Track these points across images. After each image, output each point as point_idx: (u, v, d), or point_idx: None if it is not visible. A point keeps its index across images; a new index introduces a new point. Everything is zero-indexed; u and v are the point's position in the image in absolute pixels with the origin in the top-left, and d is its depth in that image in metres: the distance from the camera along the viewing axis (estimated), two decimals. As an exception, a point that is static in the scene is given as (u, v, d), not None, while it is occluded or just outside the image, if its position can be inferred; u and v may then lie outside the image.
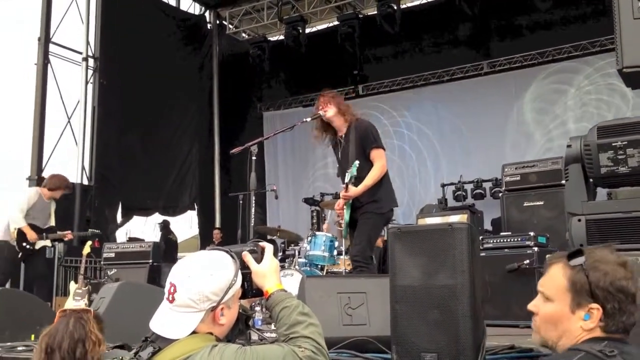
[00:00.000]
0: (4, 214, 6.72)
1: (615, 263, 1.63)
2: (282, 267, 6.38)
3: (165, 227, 11.74)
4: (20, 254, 6.69)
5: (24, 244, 6.68)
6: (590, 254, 1.66)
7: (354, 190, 4.33)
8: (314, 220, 10.63)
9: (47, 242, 6.97)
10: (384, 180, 4.48)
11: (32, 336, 4.13)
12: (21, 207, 6.63)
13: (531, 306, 1.72)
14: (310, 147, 12.23)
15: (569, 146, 2.54)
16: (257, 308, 4.86)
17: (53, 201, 6.97)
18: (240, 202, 8.17)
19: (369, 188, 4.35)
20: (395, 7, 10.68)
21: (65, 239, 7.23)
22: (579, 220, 2.39)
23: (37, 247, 6.80)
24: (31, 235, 6.68)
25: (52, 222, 6.98)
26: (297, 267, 6.36)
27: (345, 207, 4.43)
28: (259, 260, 1.91)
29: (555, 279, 1.66)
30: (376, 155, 4.43)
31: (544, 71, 10.57)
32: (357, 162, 4.30)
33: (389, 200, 4.51)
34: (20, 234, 6.64)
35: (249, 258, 1.89)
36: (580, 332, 1.61)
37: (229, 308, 1.75)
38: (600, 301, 1.59)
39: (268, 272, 1.90)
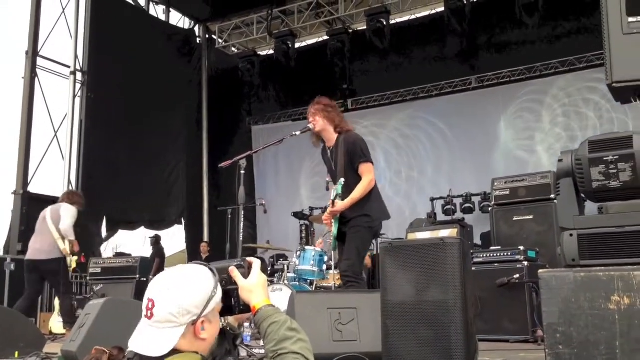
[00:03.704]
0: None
1: None
2: (271, 282, 6.32)
3: (157, 242, 11.64)
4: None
5: None
6: None
7: (341, 204, 4.31)
8: (303, 235, 10.57)
9: None
10: (373, 194, 4.45)
11: (17, 353, 4.04)
12: None
13: None
14: (299, 161, 12.22)
15: (560, 160, 2.53)
16: (246, 324, 4.79)
17: None
18: (229, 216, 8.10)
19: (356, 202, 4.33)
20: (385, 23, 10.73)
21: None
22: (571, 235, 2.37)
23: None
24: None
25: None
26: (286, 282, 6.32)
27: (333, 220, 4.41)
28: (246, 275, 1.87)
29: None
30: (365, 169, 4.40)
31: (531, 86, 10.64)
32: (342, 180, 4.29)
33: (379, 214, 4.48)
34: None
35: (236, 273, 1.85)
36: None
37: (210, 322, 1.71)
38: None
39: (255, 287, 1.86)
